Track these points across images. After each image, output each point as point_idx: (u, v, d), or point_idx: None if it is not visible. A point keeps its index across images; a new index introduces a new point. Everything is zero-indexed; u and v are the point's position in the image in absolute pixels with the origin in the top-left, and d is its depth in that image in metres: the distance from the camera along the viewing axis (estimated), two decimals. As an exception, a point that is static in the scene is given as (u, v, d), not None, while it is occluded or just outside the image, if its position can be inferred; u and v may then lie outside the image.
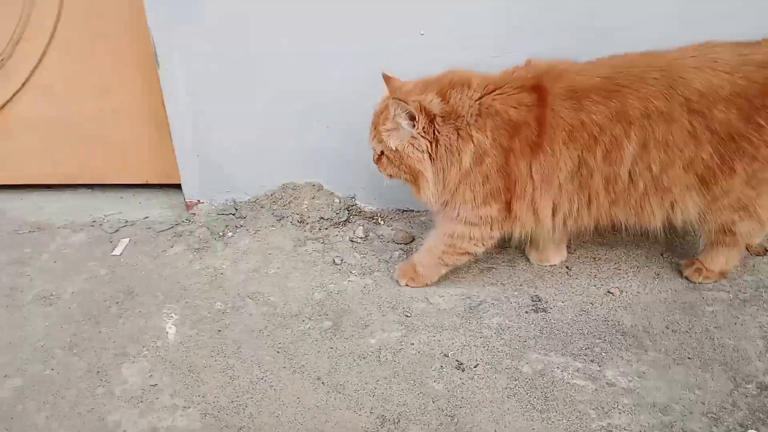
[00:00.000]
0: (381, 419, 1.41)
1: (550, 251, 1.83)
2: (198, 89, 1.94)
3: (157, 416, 1.44)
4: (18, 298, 1.79)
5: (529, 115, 1.50)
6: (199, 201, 2.12)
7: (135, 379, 1.53)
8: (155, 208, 2.20)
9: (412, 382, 1.50)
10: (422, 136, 1.54)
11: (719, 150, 1.50)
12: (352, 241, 1.98)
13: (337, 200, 2.07)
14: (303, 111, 1.95)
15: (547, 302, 1.71)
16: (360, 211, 2.08)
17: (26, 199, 2.26)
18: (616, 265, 1.82)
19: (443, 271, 1.75)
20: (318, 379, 1.52)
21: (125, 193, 2.28)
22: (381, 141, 1.61)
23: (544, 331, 1.61)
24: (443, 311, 1.70)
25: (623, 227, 1.65)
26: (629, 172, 1.53)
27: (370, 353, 1.58)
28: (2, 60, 2.06)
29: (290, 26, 1.83)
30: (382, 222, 2.05)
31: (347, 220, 2.05)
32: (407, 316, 1.69)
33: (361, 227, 2.01)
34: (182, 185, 2.12)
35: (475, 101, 1.52)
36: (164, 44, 1.87)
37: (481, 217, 1.61)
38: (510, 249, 1.90)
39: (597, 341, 1.57)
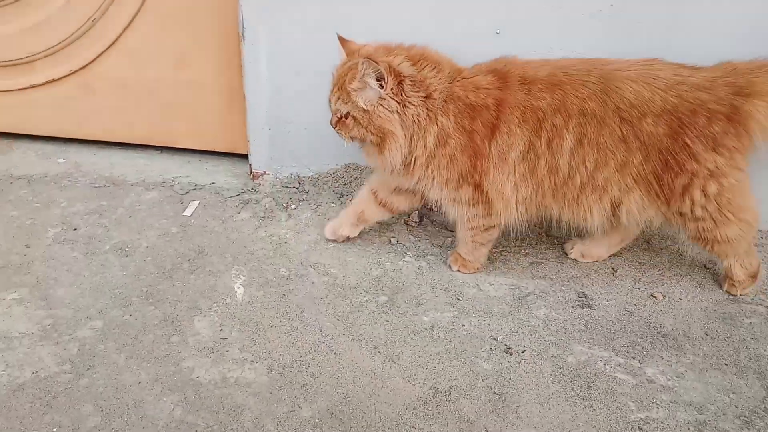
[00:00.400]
0: (433, 390, 1.53)
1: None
2: (278, 66, 2.04)
3: (227, 367, 1.56)
4: (96, 247, 1.93)
5: (488, 97, 1.62)
6: (264, 172, 2.23)
7: (206, 332, 1.66)
8: (221, 174, 2.32)
9: (462, 359, 1.61)
10: (391, 97, 1.61)
11: (658, 159, 1.61)
12: (407, 225, 2.09)
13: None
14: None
15: (592, 299, 1.80)
16: (416, 196, 2.18)
17: (99, 155, 2.40)
18: (660, 271, 1.90)
19: (484, 250, 1.85)
20: (374, 348, 1.64)
21: (192, 158, 2.40)
22: (348, 101, 1.65)
23: (589, 326, 1.71)
24: (493, 298, 1.80)
25: (559, 222, 1.75)
26: (568, 164, 1.64)
27: (423, 329, 1.69)
28: (94, 20, 2.19)
29: (375, 11, 1.93)
30: (435, 208, 2.15)
31: (404, 204, 2.16)
32: (458, 299, 1.80)
33: (417, 212, 2.11)
34: (250, 156, 2.23)
35: (445, 86, 1.63)
36: (252, 21, 1.98)
37: (466, 199, 1.72)
38: (559, 246, 1.99)
39: (639, 340, 1.67)
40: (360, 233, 2.01)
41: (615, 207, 1.68)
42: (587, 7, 1.85)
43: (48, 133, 2.43)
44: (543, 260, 1.95)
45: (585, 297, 1.81)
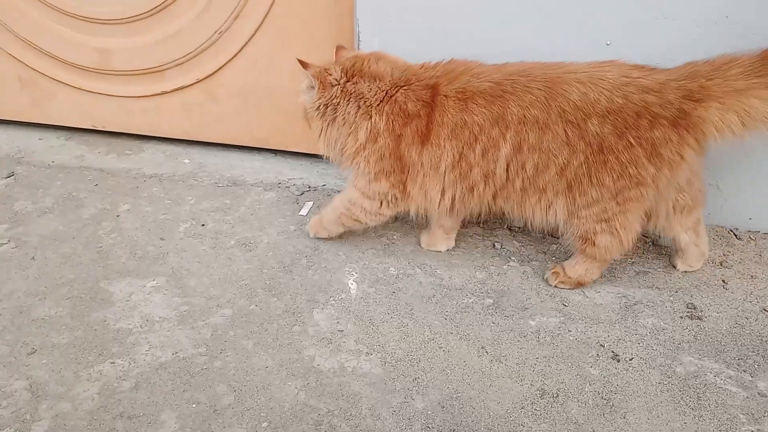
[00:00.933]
0: (541, 391, 1.58)
1: (438, 237, 2.03)
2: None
3: (345, 357, 1.68)
4: (223, 242, 2.10)
5: (422, 109, 1.72)
6: (373, 176, 2.35)
7: (325, 324, 1.78)
8: (331, 177, 2.45)
9: (569, 364, 1.65)
10: (318, 99, 1.82)
11: (590, 160, 1.65)
12: (510, 230, 2.14)
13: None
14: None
15: (702, 311, 1.80)
16: (520, 203, 2.23)
17: (220, 157, 2.59)
18: (774, 286, 1.87)
19: (341, 230, 2.02)
20: (482, 348, 1.71)
21: (304, 161, 2.55)
22: (300, 101, 1.90)
23: (698, 337, 1.71)
24: (599, 305, 1.83)
25: (510, 217, 1.86)
26: (505, 171, 1.72)
27: (530, 333, 1.75)
28: (220, 33, 2.37)
29: (482, 27, 2.00)
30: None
31: (507, 210, 2.22)
32: (564, 305, 1.84)
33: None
34: (360, 160, 2.35)
35: (382, 90, 1.76)
36: (367, 33, 2.10)
37: (374, 192, 1.86)
38: (666, 257, 2.00)
39: (750, 354, 1.66)
40: (464, 237, 2.08)
41: (548, 208, 1.76)
42: (701, 17, 1.85)
43: (174, 136, 2.65)
44: (650, 270, 1.96)
45: (694, 308, 1.81)
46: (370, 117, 1.77)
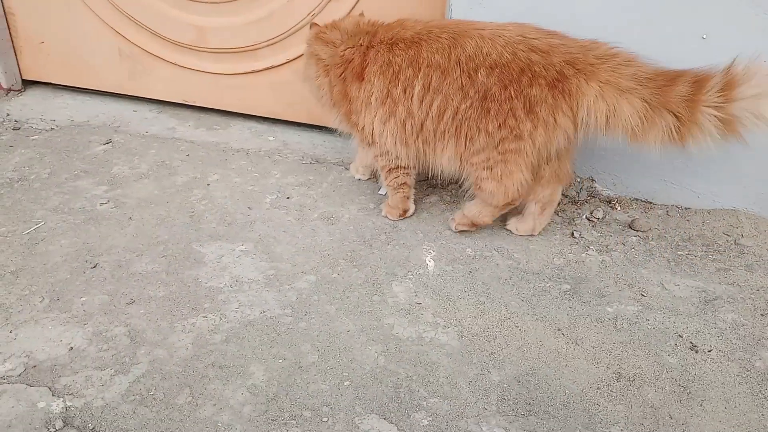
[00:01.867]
0: (617, 375, 1.60)
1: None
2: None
3: (422, 328, 1.74)
4: (306, 214, 2.19)
5: (356, 54, 1.96)
6: (451, 160, 2.40)
7: (403, 296, 1.84)
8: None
9: (647, 351, 1.66)
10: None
11: (476, 106, 1.80)
12: (589, 220, 2.16)
13: (578, 180, 2.24)
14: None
15: (785, 310, 1.78)
16: (598, 194, 2.24)
17: (303, 136, 2.68)
18: None
19: (399, 194, 2.12)
20: (558, 330, 1.74)
21: (382, 144, 2.62)
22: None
23: (781, 335, 1.70)
24: (678, 298, 1.83)
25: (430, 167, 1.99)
26: (419, 108, 1.88)
27: (607, 319, 1.77)
28: (313, 14, 2.46)
29: (584, 10, 2.02)
30: (618, 207, 2.20)
31: (585, 201, 2.22)
32: (643, 295, 1.84)
33: (600, 209, 2.17)
34: (439, 144, 2.41)
35: (335, 50, 2.00)
36: (459, 13, 2.14)
37: (360, 138, 2.07)
38: (748, 255, 1.97)
39: (836, 356, 1.63)
40: (543, 227, 2.11)
41: (443, 152, 1.91)
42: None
43: (261, 114, 2.76)
44: (731, 267, 1.94)
45: (777, 307, 1.79)
46: (327, 75, 2.04)
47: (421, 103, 1.87)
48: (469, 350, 1.67)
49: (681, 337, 1.70)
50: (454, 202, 2.25)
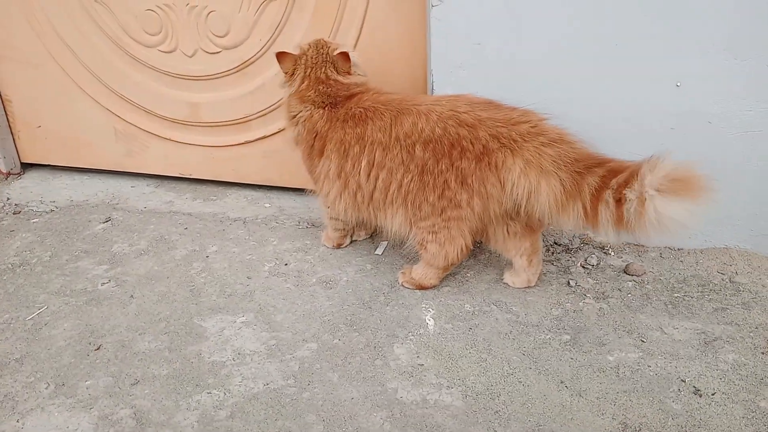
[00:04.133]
0: (623, 425, 1.60)
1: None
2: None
3: (426, 390, 1.74)
4: (305, 280, 2.21)
5: (322, 126, 2.08)
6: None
7: (405, 357, 1.85)
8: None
9: (650, 398, 1.67)
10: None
11: (417, 180, 1.93)
12: (584, 267, 2.18)
13: (570, 228, 2.28)
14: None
15: (785, 347, 1.78)
16: (591, 240, 2.27)
17: (298, 201, 2.73)
18: None
19: (338, 233, 2.33)
20: (561, 382, 1.74)
21: (376, 203, 2.67)
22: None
23: (783, 374, 1.70)
24: (678, 341, 1.84)
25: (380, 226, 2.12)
26: (367, 182, 2.01)
27: (608, 368, 1.77)
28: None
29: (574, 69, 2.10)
30: (612, 253, 2.23)
31: (579, 248, 2.26)
32: (642, 341, 1.85)
33: (594, 255, 2.20)
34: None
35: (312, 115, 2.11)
36: (441, 82, 2.22)
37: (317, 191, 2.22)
38: (744, 293, 1.99)
39: (840, 391, 1.63)
40: (538, 276, 2.13)
41: (396, 217, 2.04)
42: (772, 59, 1.89)
43: (256, 182, 2.82)
44: (728, 306, 1.96)
45: (776, 345, 1.80)
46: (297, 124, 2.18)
47: (368, 177, 2.01)
48: (474, 410, 1.68)
49: (684, 381, 1.71)
50: (450, 257, 2.28)
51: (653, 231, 1.65)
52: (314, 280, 2.21)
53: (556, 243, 2.26)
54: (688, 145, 2.05)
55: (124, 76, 2.74)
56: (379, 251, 2.34)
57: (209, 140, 2.79)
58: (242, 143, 2.74)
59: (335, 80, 2.08)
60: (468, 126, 1.86)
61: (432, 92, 2.24)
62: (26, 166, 3.07)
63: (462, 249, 1.98)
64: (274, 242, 2.43)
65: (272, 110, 2.62)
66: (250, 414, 1.69)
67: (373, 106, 2.01)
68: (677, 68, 1.98)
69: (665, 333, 1.88)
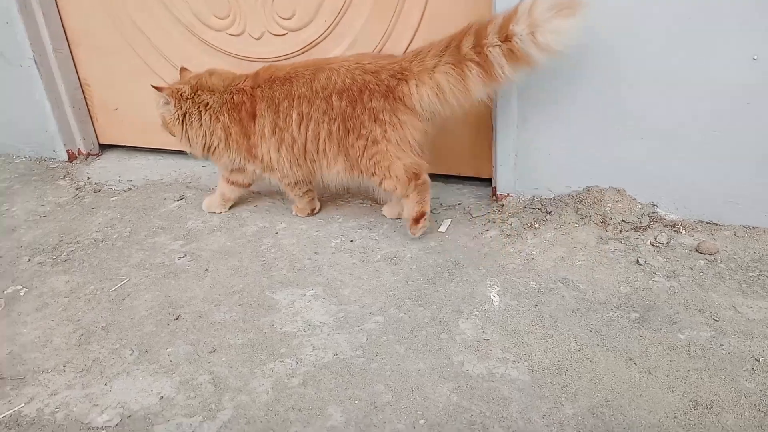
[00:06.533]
0: (694, 403, 1.58)
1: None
2: (526, 100, 2.25)
3: (492, 364, 1.77)
4: (370, 256, 2.26)
5: (245, 96, 2.29)
6: (508, 194, 2.44)
7: (470, 332, 1.88)
8: (466, 197, 2.57)
9: (723, 377, 1.64)
10: (175, 111, 2.34)
11: (341, 126, 2.17)
12: (654, 246, 2.15)
13: (639, 206, 2.24)
14: (617, 125, 2.17)
15: None
16: (661, 219, 2.23)
17: (361, 179, 2.78)
18: None
19: (306, 199, 2.49)
20: (630, 359, 1.73)
21: (439, 182, 2.67)
22: (159, 115, 2.41)
23: None
24: (752, 321, 1.80)
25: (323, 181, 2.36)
26: (299, 134, 2.23)
27: (679, 346, 1.75)
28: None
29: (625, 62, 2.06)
30: (683, 231, 2.18)
31: (648, 226, 2.22)
32: (715, 320, 1.82)
33: (664, 233, 2.16)
34: (495, 179, 2.46)
35: (219, 97, 2.32)
36: (506, 59, 2.21)
37: (236, 179, 2.48)
38: (824, 272, 1.93)
39: None
40: (605, 253, 2.12)
41: (329, 167, 2.26)
42: None
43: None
44: (807, 286, 1.89)
45: None
46: (219, 119, 2.33)
47: (299, 129, 2.23)
48: (541, 384, 1.69)
49: (758, 360, 1.67)
50: (514, 234, 2.28)
51: (544, 52, 1.92)
52: (379, 256, 2.25)
53: (624, 221, 2.23)
54: (765, 119, 1.99)
55: (194, 59, 2.83)
56: (442, 229, 2.36)
57: (276, 121, 2.85)
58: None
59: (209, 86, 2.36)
60: (372, 72, 2.14)
61: (497, 69, 2.24)
62: (104, 147, 3.23)
63: (407, 165, 2.18)
64: (339, 219, 2.49)
65: (336, 91, 2.66)
66: (321, 382, 1.76)
67: (294, 69, 2.26)
68: (754, 42, 1.91)
69: (739, 312, 1.83)
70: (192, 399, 1.75)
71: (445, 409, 1.65)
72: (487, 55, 1.97)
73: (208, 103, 2.32)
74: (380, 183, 2.23)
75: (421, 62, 2.08)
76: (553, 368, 1.73)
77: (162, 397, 1.76)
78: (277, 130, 2.26)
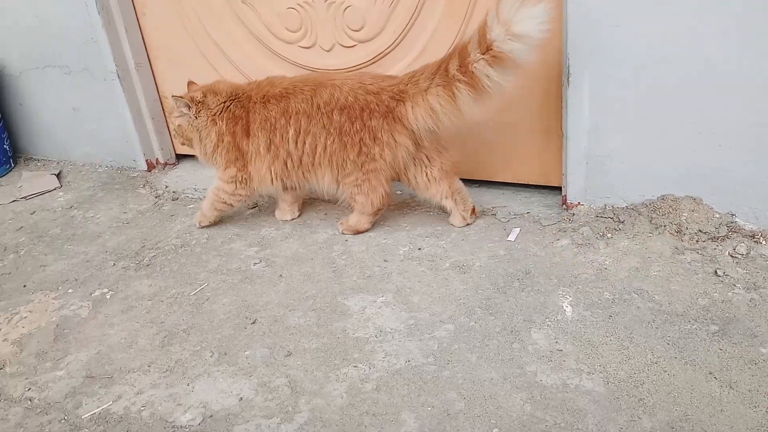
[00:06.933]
0: (780, 420, 1.54)
1: (285, 210, 2.66)
2: (598, 106, 2.23)
3: (566, 375, 1.76)
4: (438, 264, 2.28)
5: (243, 112, 2.42)
6: (579, 203, 2.41)
7: (543, 342, 1.88)
8: (535, 205, 2.56)
9: (811, 394, 1.59)
10: (194, 119, 2.47)
11: (338, 141, 2.30)
12: (733, 257, 2.09)
13: (717, 215, 2.18)
14: (693, 132, 2.12)
15: None
16: (740, 229, 2.16)
17: (428, 187, 2.80)
18: None
19: (216, 214, 2.63)
20: (710, 373, 1.69)
21: (506, 191, 2.68)
22: (172, 123, 2.57)
23: None
24: (842, 336, 1.73)
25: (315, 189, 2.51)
26: (296, 147, 2.36)
27: (761, 360, 1.70)
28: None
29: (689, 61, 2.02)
30: (763, 241, 2.11)
31: (726, 236, 2.16)
32: (800, 333, 1.76)
33: (743, 244, 2.10)
34: (565, 188, 2.44)
35: (220, 103, 2.44)
36: (578, 67, 2.19)
37: (229, 177, 2.50)
38: None
39: None
40: (681, 263, 2.07)
41: (322, 179, 2.40)
42: None
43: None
44: None
45: None
46: (216, 123, 2.44)
47: (296, 144, 2.35)
48: (617, 396, 1.67)
49: None
50: (586, 244, 2.26)
51: (522, 40, 2.00)
52: (447, 264, 2.27)
53: (701, 231, 2.17)
54: None
55: (266, 71, 2.92)
56: (511, 237, 2.36)
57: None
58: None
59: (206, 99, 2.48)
60: (373, 93, 2.26)
61: (568, 78, 2.22)
62: (180, 157, 3.37)
63: (383, 196, 2.38)
64: (407, 227, 2.52)
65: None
66: (394, 388, 1.79)
67: (292, 85, 2.37)
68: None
69: (827, 327, 1.77)
70: (270, 401, 1.81)
71: (519, 419, 1.65)
72: (473, 72, 2.08)
73: (210, 108, 2.46)
74: (355, 195, 2.38)
75: (415, 84, 2.21)
76: (630, 380, 1.71)
77: (241, 398, 1.83)
78: (272, 146, 2.39)
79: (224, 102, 2.44)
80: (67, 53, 3.14)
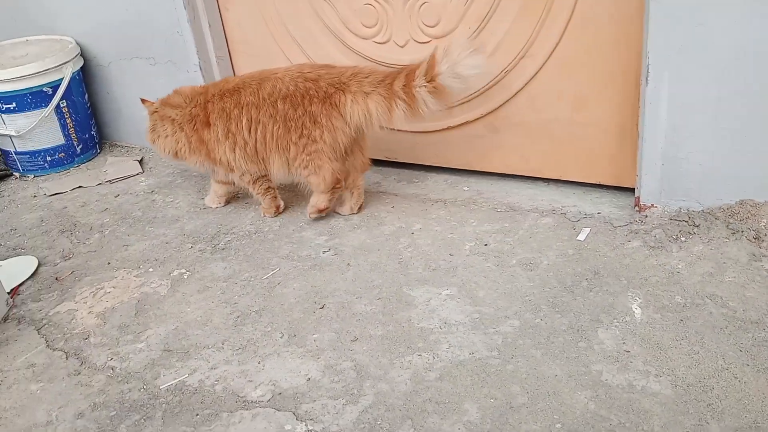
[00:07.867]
0: None
1: (214, 198, 2.91)
2: (678, 107, 2.18)
3: (633, 376, 1.74)
4: (505, 260, 2.29)
5: (199, 109, 2.61)
6: (652, 205, 2.37)
7: (610, 343, 1.86)
8: (606, 205, 2.52)
9: None
10: (152, 125, 2.73)
11: (283, 127, 2.47)
12: (811, 265, 2.01)
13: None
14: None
15: None
16: (822, 238, 2.08)
17: (496, 185, 2.80)
18: None
19: (269, 197, 2.74)
20: (785, 383, 1.64)
21: (576, 190, 2.66)
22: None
23: None
24: None
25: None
26: (249, 137, 2.52)
27: (844, 374, 1.64)
28: (507, 72, 2.61)
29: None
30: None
31: (808, 245, 2.08)
32: None
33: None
34: (638, 189, 2.39)
35: (184, 110, 2.64)
36: (658, 65, 2.16)
37: (221, 171, 2.70)
38: None
39: None
40: (758, 270, 2.01)
41: (272, 165, 2.56)
42: None
43: (455, 166, 2.94)
44: None
45: None
46: (184, 130, 2.64)
47: (249, 132, 2.51)
48: (684, 400, 1.65)
49: None
50: (658, 246, 2.22)
51: (459, 80, 2.32)
52: (514, 261, 2.28)
53: (780, 239, 2.10)
54: None
55: (340, 65, 3.00)
56: (581, 237, 2.34)
57: (414, 126, 2.93)
58: (445, 129, 2.87)
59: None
60: (312, 80, 2.43)
61: (647, 77, 2.19)
62: (254, 147, 3.48)
63: (333, 171, 2.50)
64: (474, 223, 2.54)
65: (475, 97, 2.71)
66: (458, 378, 1.82)
67: (242, 81, 2.56)
68: None
69: None
70: (336, 383, 1.87)
71: (583, 416, 1.65)
72: (414, 95, 2.34)
73: (173, 119, 2.67)
74: (308, 176, 2.54)
75: (359, 84, 2.40)
76: (698, 385, 1.68)
77: (309, 378, 1.90)
78: (229, 134, 2.56)
79: (185, 108, 2.65)
80: (154, 45, 3.30)
